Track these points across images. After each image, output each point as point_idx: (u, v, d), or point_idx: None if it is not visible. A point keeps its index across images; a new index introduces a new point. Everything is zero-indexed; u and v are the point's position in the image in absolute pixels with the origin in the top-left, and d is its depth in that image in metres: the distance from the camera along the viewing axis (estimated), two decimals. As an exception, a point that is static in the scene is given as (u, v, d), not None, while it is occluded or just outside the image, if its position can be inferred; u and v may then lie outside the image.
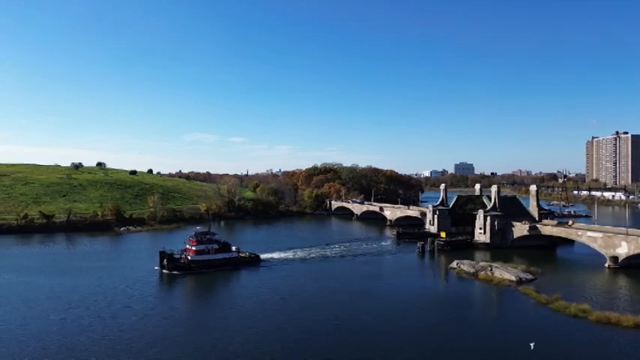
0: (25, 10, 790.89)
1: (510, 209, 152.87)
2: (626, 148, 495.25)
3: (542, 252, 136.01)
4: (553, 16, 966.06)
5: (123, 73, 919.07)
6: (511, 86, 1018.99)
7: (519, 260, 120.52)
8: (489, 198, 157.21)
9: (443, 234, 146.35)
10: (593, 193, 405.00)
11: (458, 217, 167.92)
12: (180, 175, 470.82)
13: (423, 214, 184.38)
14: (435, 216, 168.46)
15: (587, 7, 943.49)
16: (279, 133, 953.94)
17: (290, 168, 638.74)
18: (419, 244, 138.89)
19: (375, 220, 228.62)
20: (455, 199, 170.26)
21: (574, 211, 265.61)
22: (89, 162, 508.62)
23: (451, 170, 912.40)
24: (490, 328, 71.83)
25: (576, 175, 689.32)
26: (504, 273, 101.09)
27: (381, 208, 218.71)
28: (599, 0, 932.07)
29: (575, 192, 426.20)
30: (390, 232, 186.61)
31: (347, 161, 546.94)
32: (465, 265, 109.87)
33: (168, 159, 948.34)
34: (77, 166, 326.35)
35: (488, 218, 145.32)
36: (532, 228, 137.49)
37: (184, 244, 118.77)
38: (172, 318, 76.35)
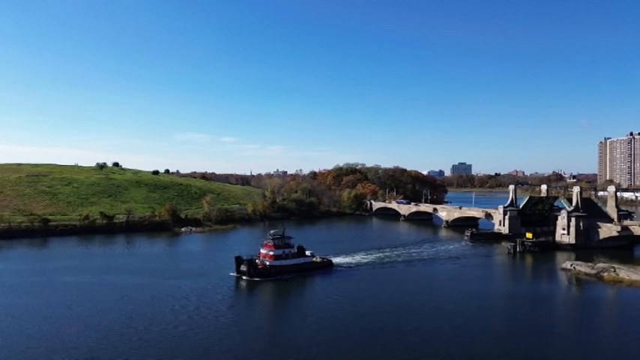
0: (18, 10, 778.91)
1: (587, 210, 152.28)
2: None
3: (626, 252, 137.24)
4: (551, 16, 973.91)
5: (115, 72, 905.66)
6: (508, 87, 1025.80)
7: (614, 260, 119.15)
8: (569, 200, 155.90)
9: (529, 235, 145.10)
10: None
11: (527, 217, 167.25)
12: (180, 175, 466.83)
13: (488, 215, 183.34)
14: (506, 217, 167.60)
15: (585, 8, 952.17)
16: (271, 132, 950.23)
17: (284, 168, 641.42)
18: (509, 245, 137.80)
19: (423, 220, 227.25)
20: (526, 200, 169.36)
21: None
22: (84, 161, 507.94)
23: (448, 171, 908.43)
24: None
25: (576, 174, 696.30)
26: (631, 274, 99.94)
27: (435, 209, 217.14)
28: (598, 0, 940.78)
29: (592, 192, 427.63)
30: (447, 233, 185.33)
31: (341, 161, 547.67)
32: (582, 267, 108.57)
33: (160, 159, 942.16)
34: (102, 166, 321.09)
35: (573, 219, 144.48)
36: (624, 229, 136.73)
37: (259, 247, 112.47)
38: (278, 333, 70.07)
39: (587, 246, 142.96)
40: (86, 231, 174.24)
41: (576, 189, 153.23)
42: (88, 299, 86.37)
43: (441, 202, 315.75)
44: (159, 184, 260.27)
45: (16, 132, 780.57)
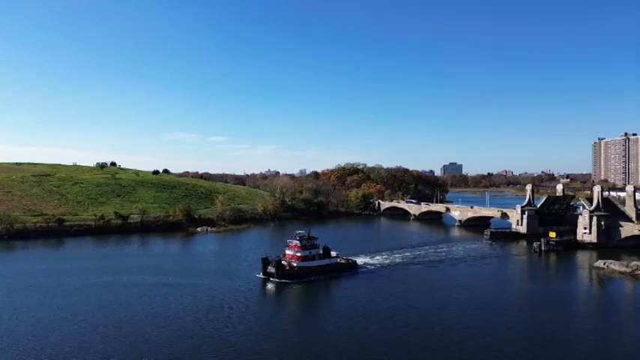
0: (18, 10, 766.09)
1: (605, 209, 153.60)
2: (636, 149, 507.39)
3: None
4: (546, 16, 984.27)
5: (103, 71, 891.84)
6: (500, 87, 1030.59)
7: (637, 258, 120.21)
8: (589, 199, 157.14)
9: (552, 234, 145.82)
10: (613, 193, 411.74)
11: (544, 217, 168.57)
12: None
13: (504, 215, 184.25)
14: (524, 216, 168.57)
15: (581, 7, 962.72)
16: (262, 132, 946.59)
17: (276, 168, 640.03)
18: (535, 244, 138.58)
19: (434, 220, 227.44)
20: (544, 199, 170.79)
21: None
22: (81, 161, 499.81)
23: (438, 171, 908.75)
24: None
25: (564, 174, 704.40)
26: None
27: (448, 209, 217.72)
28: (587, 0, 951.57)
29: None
30: (462, 233, 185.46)
31: (333, 161, 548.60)
32: (615, 265, 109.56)
33: (152, 158, 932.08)
34: (102, 166, 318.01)
35: (595, 218, 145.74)
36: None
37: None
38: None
39: (608, 245, 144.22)
40: (101, 231, 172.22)
41: (597, 188, 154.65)
42: (132, 301, 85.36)
43: (443, 202, 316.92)
44: (165, 184, 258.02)
45: (14, 132, 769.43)
